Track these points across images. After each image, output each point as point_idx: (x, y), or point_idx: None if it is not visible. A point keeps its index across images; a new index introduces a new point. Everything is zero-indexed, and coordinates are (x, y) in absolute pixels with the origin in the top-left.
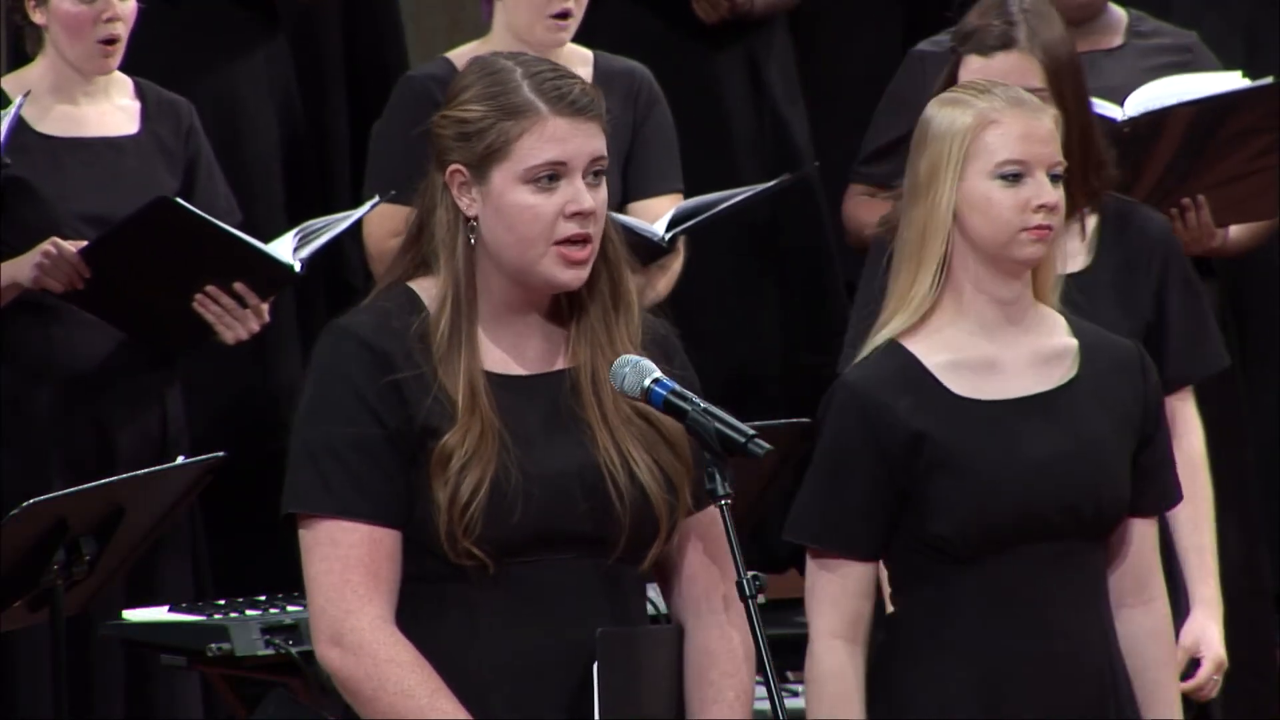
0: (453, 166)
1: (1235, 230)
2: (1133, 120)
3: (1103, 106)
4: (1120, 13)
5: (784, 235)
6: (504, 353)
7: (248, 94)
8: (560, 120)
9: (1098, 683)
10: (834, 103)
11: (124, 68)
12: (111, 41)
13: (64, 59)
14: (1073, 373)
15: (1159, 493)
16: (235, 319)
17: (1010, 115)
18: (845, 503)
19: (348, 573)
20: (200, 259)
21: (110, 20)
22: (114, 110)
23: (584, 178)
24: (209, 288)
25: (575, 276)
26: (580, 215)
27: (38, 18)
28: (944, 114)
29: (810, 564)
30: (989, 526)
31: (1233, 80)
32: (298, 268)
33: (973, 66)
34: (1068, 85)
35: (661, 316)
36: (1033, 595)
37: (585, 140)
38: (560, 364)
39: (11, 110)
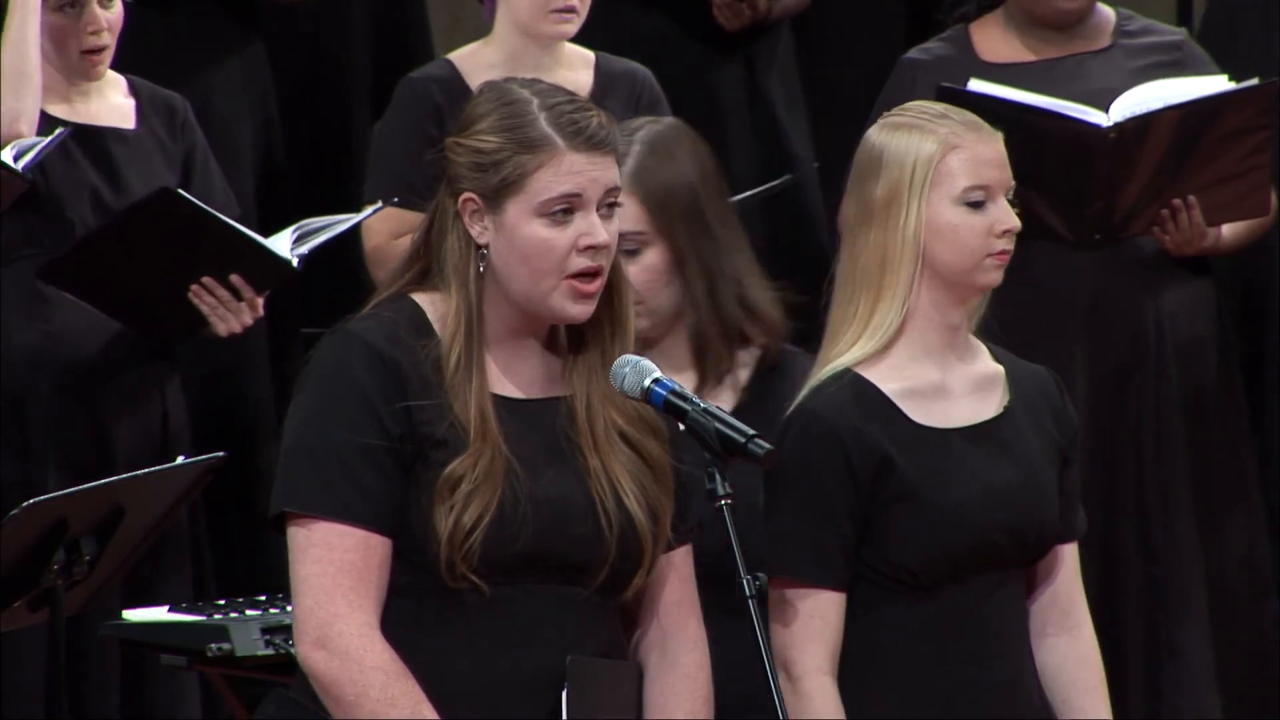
0: (466, 195)
1: (1229, 229)
2: (1119, 125)
3: (1085, 112)
4: (1108, 13)
5: (780, 239)
6: (505, 374)
7: (221, 102)
8: (577, 155)
9: (1036, 707)
10: (835, 106)
11: None
12: (96, 51)
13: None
14: (1008, 399)
15: (1074, 516)
16: (229, 311)
17: (971, 139)
18: (827, 532)
19: (340, 577)
20: (199, 250)
21: (94, 32)
22: (109, 109)
23: (598, 210)
24: (205, 279)
25: (584, 310)
26: (593, 249)
27: None
28: (899, 139)
29: (785, 599)
30: (951, 556)
31: (1218, 83)
32: (295, 263)
33: None
34: (681, 230)
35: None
36: (980, 623)
37: (601, 174)
38: (558, 389)
39: (44, 141)
